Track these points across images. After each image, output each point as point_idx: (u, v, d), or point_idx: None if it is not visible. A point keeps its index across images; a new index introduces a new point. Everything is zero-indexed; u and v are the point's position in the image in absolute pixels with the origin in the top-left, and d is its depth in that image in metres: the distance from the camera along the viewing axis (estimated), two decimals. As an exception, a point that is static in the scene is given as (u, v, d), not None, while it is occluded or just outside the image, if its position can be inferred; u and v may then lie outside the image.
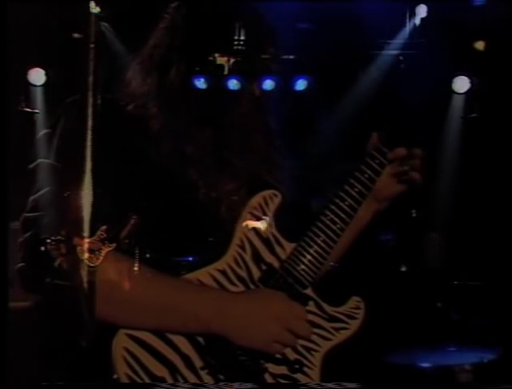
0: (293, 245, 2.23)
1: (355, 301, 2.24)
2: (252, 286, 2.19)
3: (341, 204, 2.24)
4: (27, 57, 4.08)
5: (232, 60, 2.26)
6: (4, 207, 2.10)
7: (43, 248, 1.98)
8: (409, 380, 4.00)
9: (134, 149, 2.15)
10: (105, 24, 1.83)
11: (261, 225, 2.23)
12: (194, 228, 2.19)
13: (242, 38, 2.24)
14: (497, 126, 4.64)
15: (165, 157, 2.17)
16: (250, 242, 2.21)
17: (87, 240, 1.82)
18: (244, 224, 2.22)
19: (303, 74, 3.82)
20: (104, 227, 1.76)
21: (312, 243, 2.21)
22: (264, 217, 2.23)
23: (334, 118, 4.77)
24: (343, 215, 2.24)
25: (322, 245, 2.21)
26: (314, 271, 2.20)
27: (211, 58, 2.25)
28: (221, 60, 2.25)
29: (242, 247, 2.20)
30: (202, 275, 2.15)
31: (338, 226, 2.23)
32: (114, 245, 1.80)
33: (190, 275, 2.14)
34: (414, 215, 4.75)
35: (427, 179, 2.34)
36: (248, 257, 2.20)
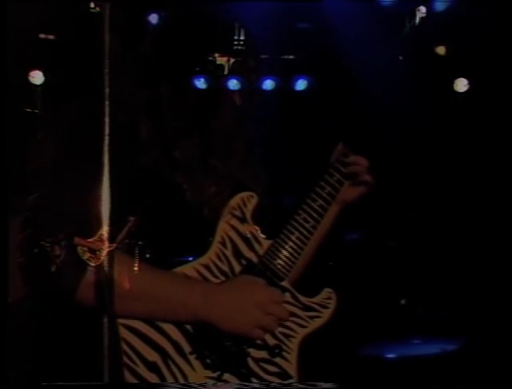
0: (270, 241, 2.39)
1: (327, 292, 2.42)
2: None
3: (313, 204, 2.41)
4: (27, 58, 4.05)
5: (215, 67, 2.37)
6: (4, 205, 2.13)
7: (41, 246, 2.12)
8: (375, 370, 4.17)
9: (124, 153, 2.27)
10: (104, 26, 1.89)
11: (240, 224, 2.39)
12: (181, 227, 2.32)
13: (226, 47, 2.38)
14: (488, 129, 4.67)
15: (153, 162, 2.28)
16: (231, 239, 2.36)
17: (86, 239, 1.92)
18: (225, 222, 2.36)
19: (300, 75, 3.89)
20: (105, 227, 1.87)
21: (287, 240, 2.38)
22: (243, 216, 2.39)
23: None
24: (314, 214, 2.41)
25: (297, 241, 2.38)
26: (290, 265, 2.37)
27: (196, 67, 2.36)
28: (217, 63, 2.37)
29: (223, 244, 2.35)
30: (188, 269, 2.29)
31: (310, 224, 2.40)
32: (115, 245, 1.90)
33: (177, 270, 2.27)
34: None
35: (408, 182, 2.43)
36: (229, 253, 2.35)
